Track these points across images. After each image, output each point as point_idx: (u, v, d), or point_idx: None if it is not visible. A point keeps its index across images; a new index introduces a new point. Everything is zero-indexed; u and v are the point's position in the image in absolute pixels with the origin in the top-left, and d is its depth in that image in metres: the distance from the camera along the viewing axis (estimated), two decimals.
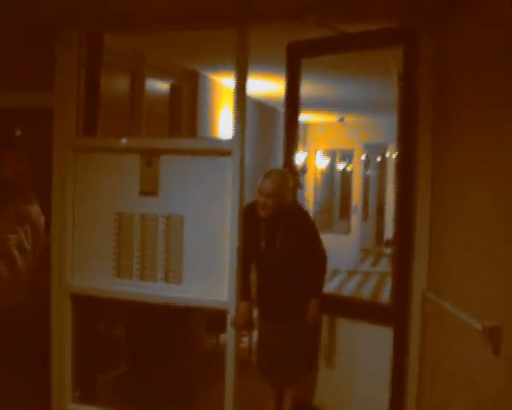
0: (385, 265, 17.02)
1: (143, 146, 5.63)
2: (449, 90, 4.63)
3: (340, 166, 21.37)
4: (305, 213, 5.65)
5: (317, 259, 5.58)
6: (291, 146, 6.06)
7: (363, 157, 17.00)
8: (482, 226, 3.80)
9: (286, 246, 5.36)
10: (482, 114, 3.86)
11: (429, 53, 4.97)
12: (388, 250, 16.42)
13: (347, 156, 20.34)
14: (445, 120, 4.66)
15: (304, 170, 16.04)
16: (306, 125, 17.02)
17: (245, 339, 7.53)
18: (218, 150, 5.39)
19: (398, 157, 5.68)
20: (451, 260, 4.40)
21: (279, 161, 6.26)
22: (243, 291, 5.41)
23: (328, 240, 16.16)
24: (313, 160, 17.24)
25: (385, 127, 15.52)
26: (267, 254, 5.49)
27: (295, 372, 5.63)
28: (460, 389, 4.10)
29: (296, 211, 5.48)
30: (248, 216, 5.34)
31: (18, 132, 6.86)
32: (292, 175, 5.71)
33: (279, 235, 5.28)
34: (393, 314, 5.34)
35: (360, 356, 5.65)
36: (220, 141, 6.26)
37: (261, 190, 5.34)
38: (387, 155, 18.08)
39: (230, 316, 5.33)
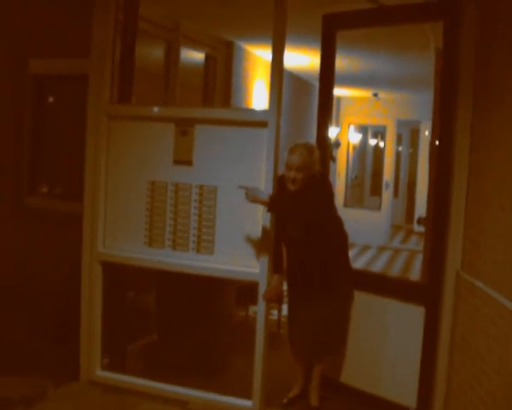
0: (414, 242, 17.01)
1: (178, 115, 5.60)
2: (494, 63, 4.51)
3: (373, 141, 21.21)
4: (322, 182, 5.44)
5: (333, 228, 5.53)
6: (325, 119, 6.00)
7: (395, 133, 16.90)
8: None
9: (307, 219, 5.30)
10: None
11: (473, 26, 4.86)
12: (418, 227, 16.35)
13: (380, 132, 20.19)
14: (488, 96, 4.57)
15: (337, 143, 15.96)
16: (339, 99, 16.93)
17: (274, 311, 7.53)
18: (254, 121, 5.36)
19: (434, 133, 5.62)
20: (490, 239, 4.33)
21: (313, 134, 6.21)
22: (275, 264, 5.40)
23: (358, 216, 16.34)
24: (346, 134, 17.14)
25: (418, 104, 15.45)
26: (292, 228, 5.45)
27: (324, 347, 5.62)
28: (492, 370, 4.06)
29: (318, 183, 5.39)
30: (277, 190, 5.30)
31: (50, 99, 6.88)
32: (322, 148, 5.65)
33: (302, 208, 5.21)
34: (425, 292, 5.31)
35: (389, 333, 5.62)
36: (256, 112, 6.19)
37: (290, 165, 5.27)
38: (420, 132, 17.95)
39: (261, 288, 5.32)
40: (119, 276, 6.03)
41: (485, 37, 4.70)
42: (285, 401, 5.70)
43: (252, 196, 5.07)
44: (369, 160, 21.17)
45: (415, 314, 5.37)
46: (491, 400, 4.05)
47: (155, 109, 5.75)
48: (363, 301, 5.74)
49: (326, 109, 5.99)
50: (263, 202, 5.10)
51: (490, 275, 4.24)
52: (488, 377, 4.13)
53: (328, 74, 5.95)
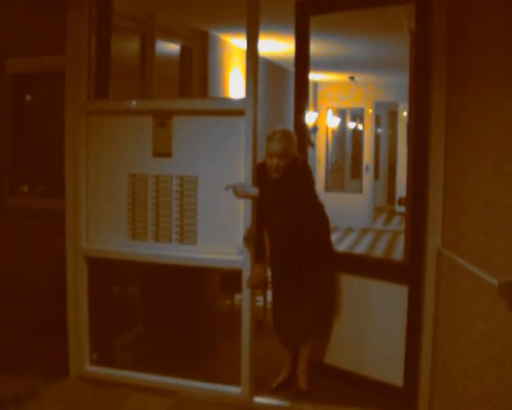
0: (397, 223, 17.13)
1: (156, 107, 5.62)
2: (466, 44, 4.54)
3: (351, 125, 21.25)
4: (303, 170, 5.49)
5: (316, 213, 5.58)
6: (301, 105, 6.01)
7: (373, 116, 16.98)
8: (503, 182, 3.76)
9: (288, 204, 5.34)
10: (506, 68, 3.77)
11: (444, 6, 4.89)
12: (400, 208, 16.46)
13: (358, 115, 20.24)
14: (462, 76, 4.60)
15: (315, 129, 16.00)
16: (317, 84, 16.95)
17: (259, 298, 7.57)
18: (231, 110, 5.39)
19: (410, 114, 5.66)
20: (469, 216, 4.37)
21: (290, 121, 6.24)
22: (258, 252, 5.43)
23: (340, 199, 16.41)
24: (324, 119, 17.18)
25: (395, 86, 15.51)
26: (275, 215, 5.49)
27: (308, 330, 5.67)
28: (476, 345, 4.10)
29: (299, 170, 5.43)
30: (257, 178, 5.33)
31: (28, 98, 6.87)
32: (299, 134, 5.69)
33: (283, 194, 5.25)
34: (408, 271, 5.36)
35: (373, 314, 5.67)
36: (233, 101, 6.22)
37: (271, 152, 5.31)
38: (398, 113, 18.03)
39: (245, 276, 5.36)
40: (104, 270, 6.05)
41: (456, 15, 4.74)
42: (274, 385, 5.75)
43: (241, 192, 5.10)
44: (348, 143, 21.21)
45: (398, 294, 5.42)
46: (476, 375, 4.10)
47: (132, 103, 5.77)
48: (346, 283, 5.79)
49: (302, 95, 6.00)
50: (253, 197, 5.15)
51: (470, 251, 4.28)
52: (472, 353, 4.17)
53: (302, 60, 5.96)
